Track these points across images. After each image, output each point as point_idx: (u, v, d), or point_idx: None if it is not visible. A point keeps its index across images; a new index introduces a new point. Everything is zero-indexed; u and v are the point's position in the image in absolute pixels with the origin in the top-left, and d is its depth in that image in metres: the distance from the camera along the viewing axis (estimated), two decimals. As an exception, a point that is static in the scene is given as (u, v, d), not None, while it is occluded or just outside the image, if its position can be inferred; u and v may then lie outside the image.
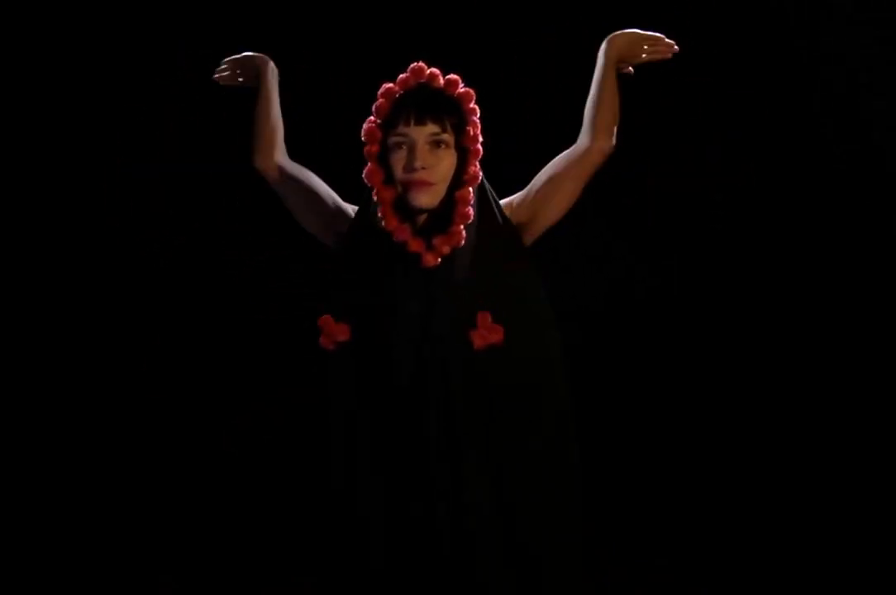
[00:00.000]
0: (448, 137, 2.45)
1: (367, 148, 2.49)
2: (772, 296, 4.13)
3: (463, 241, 2.46)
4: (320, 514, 2.51)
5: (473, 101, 2.49)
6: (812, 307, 4.09)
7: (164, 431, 4.14)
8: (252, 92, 2.67)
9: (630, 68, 2.57)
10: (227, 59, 2.75)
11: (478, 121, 2.49)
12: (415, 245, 2.46)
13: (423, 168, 2.42)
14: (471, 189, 2.48)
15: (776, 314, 4.12)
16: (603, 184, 2.53)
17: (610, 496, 4.01)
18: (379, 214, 2.48)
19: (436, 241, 2.46)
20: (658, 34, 2.56)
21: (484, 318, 2.45)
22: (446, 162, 2.46)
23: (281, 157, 2.64)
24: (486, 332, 2.44)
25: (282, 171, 2.63)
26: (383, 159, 2.47)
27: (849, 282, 4.05)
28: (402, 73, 2.50)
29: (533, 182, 2.56)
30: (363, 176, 2.50)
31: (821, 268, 4.04)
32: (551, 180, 2.52)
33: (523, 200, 2.56)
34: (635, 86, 2.55)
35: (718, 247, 4.14)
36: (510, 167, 2.72)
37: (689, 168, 4.07)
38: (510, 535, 2.44)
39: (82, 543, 3.96)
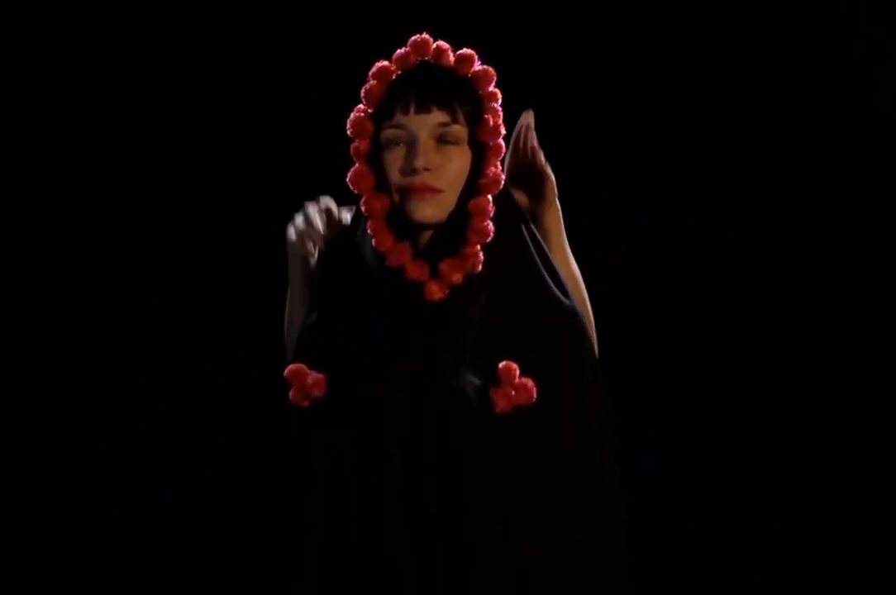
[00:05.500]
0: (459, 130, 2.15)
1: (354, 144, 2.20)
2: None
3: (479, 267, 2.13)
4: None
5: (493, 84, 2.19)
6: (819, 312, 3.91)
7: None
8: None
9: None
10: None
11: (499, 108, 2.18)
12: (415, 271, 2.14)
13: (427, 170, 2.13)
14: (490, 197, 2.16)
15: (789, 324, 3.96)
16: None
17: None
18: (369, 231, 2.17)
19: (443, 266, 2.13)
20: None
21: (508, 371, 2.06)
22: (457, 162, 2.15)
23: None
24: (512, 390, 2.05)
25: None
26: (375, 159, 2.18)
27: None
28: (401, 47, 2.22)
29: None
30: (348, 180, 2.20)
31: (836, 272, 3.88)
32: None
33: None
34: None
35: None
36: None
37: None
38: None
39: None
